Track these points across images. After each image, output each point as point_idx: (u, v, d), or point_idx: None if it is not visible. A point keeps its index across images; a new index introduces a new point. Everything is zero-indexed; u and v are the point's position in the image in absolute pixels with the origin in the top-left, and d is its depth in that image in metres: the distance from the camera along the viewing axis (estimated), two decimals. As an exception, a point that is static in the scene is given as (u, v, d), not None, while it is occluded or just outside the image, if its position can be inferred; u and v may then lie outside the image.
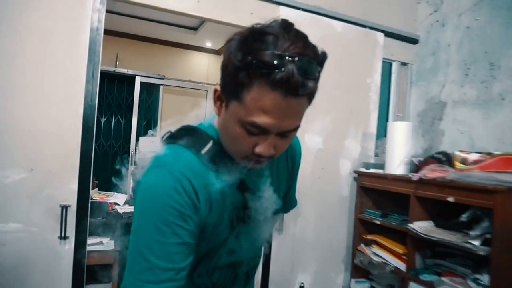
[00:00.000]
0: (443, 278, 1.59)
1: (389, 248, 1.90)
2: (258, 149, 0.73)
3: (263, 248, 1.04)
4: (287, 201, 1.10)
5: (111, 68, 3.99)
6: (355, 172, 2.15)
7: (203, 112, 4.64)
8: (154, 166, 0.79)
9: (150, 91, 4.49)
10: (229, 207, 0.86)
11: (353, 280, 2.13)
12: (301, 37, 0.68)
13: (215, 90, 0.76)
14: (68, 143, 1.49)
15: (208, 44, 4.46)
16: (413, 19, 2.45)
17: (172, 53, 4.75)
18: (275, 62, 0.63)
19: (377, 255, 1.96)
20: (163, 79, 4.45)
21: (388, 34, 2.34)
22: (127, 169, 3.82)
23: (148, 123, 4.44)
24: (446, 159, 1.70)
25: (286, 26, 0.68)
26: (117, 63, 4.29)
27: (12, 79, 1.42)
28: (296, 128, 0.74)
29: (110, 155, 4.15)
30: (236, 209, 0.88)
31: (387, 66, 2.44)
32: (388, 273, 1.90)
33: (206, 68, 4.89)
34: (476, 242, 1.44)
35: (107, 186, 3.81)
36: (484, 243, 1.43)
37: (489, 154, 1.58)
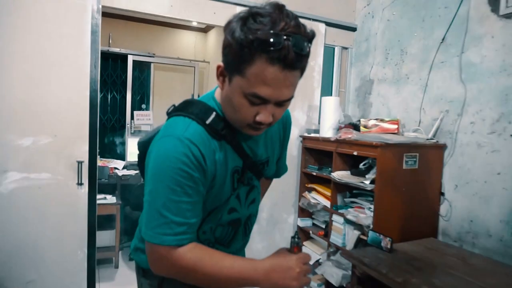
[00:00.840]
0: (351, 209, 2.24)
1: (322, 192, 2.55)
2: (259, 118, 0.82)
3: (258, 207, 1.12)
4: (279, 167, 1.21)
5: (105, 48, 4.29)
6: (301, 136, 2.75)
7: (191, 86, 5.10)
8: (164, 135, 0.86)
9: (142, 68, 4.84)
10: (231, 170, 0.94)
11: (299, 219, 2.79)
12: (293, 17, 0.76)
13: (218, 66, 0.84)
14: (80, 117, 2.08)
15: (194, 23, 4.71)
16: (352, 10, 2.98)
17: (161, 32, 5.06)
18: (274, 40, 0.71)
19: (314, 198, 2.60)
20: (153, 57, 4.82)
21: (332, 24, 2.87)
22: (124, 139, 4.33)
23: (141, 98, 4.87)
24: (356, 125, 2.32)
25: (279, 7, 0.76)
26: (110, 42, 4.65)
27: (39, 72, 1.98)
28: (291, 98, 0.83)
29: (108, 128, 4.57)
30: (236, 172, 0.96)
31: (331, 50, 2.99)
32: (320, 210, 2.55)
33: (193, 45, 5.30)
34: (367, 182, 2.07)
35: (108, 154, 4.37)
36: (372, 182, 2.06)
37: (381, 120, 2.19)
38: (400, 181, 2.07)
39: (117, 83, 4.65)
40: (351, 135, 2.16)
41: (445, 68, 2.23)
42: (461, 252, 1.97)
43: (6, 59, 1.90)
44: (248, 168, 0.98)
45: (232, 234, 1.03)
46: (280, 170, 1.22)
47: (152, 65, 4.86)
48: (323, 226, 2.57)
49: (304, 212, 2.76)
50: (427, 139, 2.19)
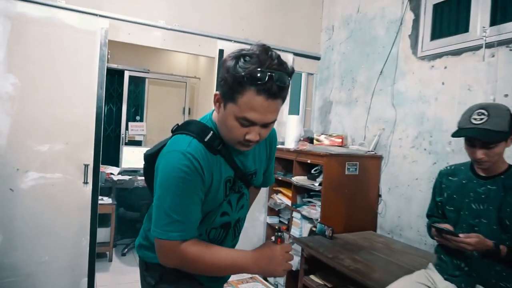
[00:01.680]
0: (305, 207, 2.76)
1: (285, 193, 3.06)
2: (248, 137, 0.97)
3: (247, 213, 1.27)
4: (266, 178, 1.33)
5: (103, 64, 4.77)
6: (270, 147, 3.27)
7: (183, 100, 5.45)
8: (170, 150, 1.02)
9: (137, 83, 5.24)
10: (224, 179, 1.09)
11: (268, 217, 3.30)
12: (276, 57, 0.92)
13: (215, 95, 1.00)
14: (88, 128, 2.58)
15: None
16: (318, 42, 3.55)
17: (156, 51, 5.39)
18: (260, 75, 0.88)
19: (279, 199, 3.12)
20: (148, 72, 5.22)
21: (300, 54, 3.43)
22: (119, 147, 4.73)
23: (136, 110, 5.23)
24: (312, 138, 2.86)
25: (265, 49, 0.93)
26: (109, 58, 5.12)
27: (55, 92, 2.48)
28: (274, 121, 0.98)
29: (104, 137, 4.99)
30: (229, 181, 1.11)
31: (299, 76, 3.55)
32: (284, 209, 3.07)
33: (185, 63, 5.72)
34: (316, 184, 2.60)
35: (104, 161, 4.78)
36: (320, 184, 2.59)
37: (330, 135, 2.74)
38: (343, 184, 2.60)
39: (113, 96, 5.05)
40: (305, 146, 2.70)
41: (382, 94, 2.79)
42: (388, 240, 2.50)
43: (31, 82, 2.40)
44: (239, 178, 1.13)
45: (223, 235, 1.17)
46: (267, 180, 1.35)
47: (146, 80, 5.25)
48: (287, 222, 3.07)
49: (272, 211, 3.27)
50: (368, 151, 2.73)
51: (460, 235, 1.38)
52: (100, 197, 3.68)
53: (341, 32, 3.29)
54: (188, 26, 2.93)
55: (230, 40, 3.08)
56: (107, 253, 3.80)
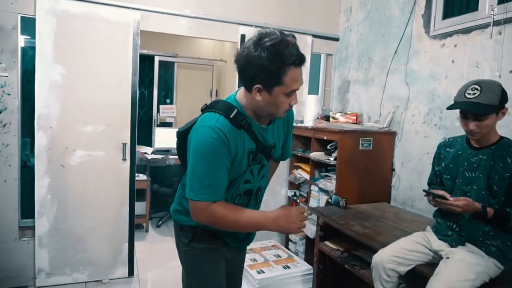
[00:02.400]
0: (322, 180, 2.96)
1: (304, 168, 3.28)
2: (293, 102, 1.19)
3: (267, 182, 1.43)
4: (284, 152, 1.49)
5: (134, 51, 5.03)
6: (291, 125, 3.48)
7: (210, 82, 5.67)
8: (201, 126, 1.18)
9: (167, 67, 5.51)
10: (247, 151, 1.24)
11: (289, 191, 3.54)
12: (288, 34, 1.14)
13: (256, 88, 1.15)
14: (124, 110, 2.89)
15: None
16: (336, 24, 3.66)
17: (184, 36, 5.66)
18: (296, 54, 1.10)
19: (299, 174, 3.34)
20: (176, 57, 5.47)
21: (319, 36, 3.57)
22: (152, 129, 5.06)
23: (166, 94, 5.54)
24: (329, 116, 3.03)
25: (279, 33, 1.12)
26: (139, 45, 5.40)
27: (96, 80, 2.79)
28: None
29: (138, 119, 5.26)
30: (251, 152, 1.26)
31: (318, 57, 3.69)
32: (303, 183, 3.29)
33: (212, 47, 5.88)
34: (331, 158, 2.79)
35: (138, 141, 5.12)
36: (335, 159, 2.78)
37: (345, 113, 2.90)
38: (357, 158, 2.78)
39: (145, 80, 5.34)
40: (321, 124, 2.88)
41: (396, 73, 2.91)
42: (399, 210, 2.68)
43: (75, 71, 2.72)
44: (260, 150, 1.29)
45: (246, 201, 1.33)
46: (285, 154, 1.51)
47: (175, 64, 5.52)
48: (306, 195, 3.30)
49: (292, 185, 3.50)
50: (382, 128, 2.88)
51: (450, 198, 1.55)
52: (136, 174, 4.09)
53: (358, 13, 3.38)
54: (211, 14, 3.14)
55: (251, 26, 3.26)
56: (144, 224, 4.21)
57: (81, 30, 2.70)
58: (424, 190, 1.71)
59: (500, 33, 2.13)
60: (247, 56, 1.12)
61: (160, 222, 4.43)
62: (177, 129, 1.35)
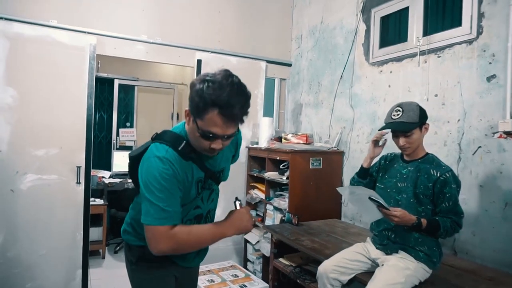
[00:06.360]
0: (276, 199, 3.08)
1: (260, 188, 3.39)
2: (213, 146, 1.18)
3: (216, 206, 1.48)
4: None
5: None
6: (247, 147, 3.60)
7: (171, 106, 5.68)
8: (151, 156, 1.20)
9: (127, 90, 5.45)
10: (196, 180, 1.29)
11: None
12: (236, 83, 1.11)
13: (186, 111, 1.18)
14: (79, 133, 2.88)
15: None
16: (289, 50, 3.90)
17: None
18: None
19: (255, 193, 3.44)
20: (137, 80, 5.40)
21: (273, 62, 3.77)
22: (110, 152, 4.98)
23: (126, 117, 5.45)
24: (281, 137, 3.19)
25: (227, 76, 1.11)
26: (99, 68, 5.22)
27: (50, 103, 2.79)
28: (233, 134, 1.17)
29: (96, 143, 5.04)
30: (200, 181, 1.31)
31: (272, 81, 3.89)
32: (260, 202, 3.39)
33: (173, 70, 5.86)
34: (284, 178, 2.93)
35: (96, 165, 5.02)
36: (287, 178, 2.92)
37: (296, 134, 3.07)
38: (308, 177, 2.93)
39: (104, 104, 5.27)
40: (274, 145, 3.03)
41: (342, 97, 3.13)
42: (348, 225, 2.83)
43: (28, 94, 2.71)
44: (209, 177, 1.34)
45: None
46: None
47: (136, 87, 5.48)
48: (262, 215, 3.39)
49: (249, 205, 3.58)
50: (331, 148, 3.07)
51: (389, 208, 1.69)
52: (92, 199, 3.96)
53: (308, 41, 3.63)
54: (168, 39, 3.26)
55: (207, 51, 3.41)
56: (100, 250, 4.08)
57: (35, 54, 2.72)
58: (370, 198, 1.77)
59: (426, 62, 2.39)
60: (193, 82, 1.16)
61: (118, 248, 4.31)
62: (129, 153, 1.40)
